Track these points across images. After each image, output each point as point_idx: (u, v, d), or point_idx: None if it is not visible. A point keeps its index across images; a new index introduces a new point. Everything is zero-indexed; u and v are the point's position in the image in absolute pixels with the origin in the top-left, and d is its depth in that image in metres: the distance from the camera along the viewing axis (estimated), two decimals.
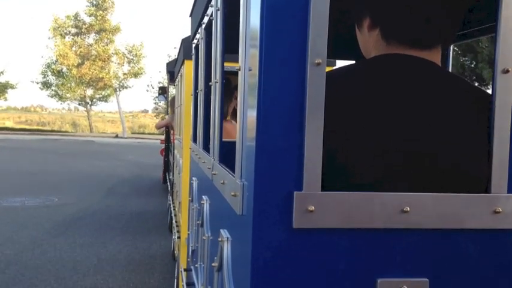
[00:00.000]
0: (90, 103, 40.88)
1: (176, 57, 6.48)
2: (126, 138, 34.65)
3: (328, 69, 0.92)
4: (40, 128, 41.56)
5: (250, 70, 0.97)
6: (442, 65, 1.22)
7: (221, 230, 1.28)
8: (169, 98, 8.92)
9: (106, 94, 39.99)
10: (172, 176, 7.33)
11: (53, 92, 39.44)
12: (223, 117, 1.78)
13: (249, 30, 0.99)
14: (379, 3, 1.14)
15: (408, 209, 0.92)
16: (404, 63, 1.10)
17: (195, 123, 2.61)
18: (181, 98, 5.08)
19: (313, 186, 0.89)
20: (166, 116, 10.18)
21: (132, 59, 37.83)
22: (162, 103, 27.94)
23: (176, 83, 6.49)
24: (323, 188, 0.90)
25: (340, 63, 2.97)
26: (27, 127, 40.96)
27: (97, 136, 35.93)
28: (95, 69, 36.14)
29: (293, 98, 0.88)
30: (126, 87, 38.50)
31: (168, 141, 9.82)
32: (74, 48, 36.35)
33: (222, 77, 1.56)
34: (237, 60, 1.08)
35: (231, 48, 1.48)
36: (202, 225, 1.88)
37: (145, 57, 45.22)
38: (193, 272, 2.37)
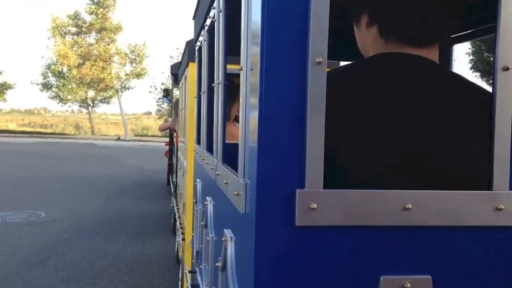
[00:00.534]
0: (91, 105, 40.01)
1: (179, 58, 6.50)
2: (128, 140, 34.00)
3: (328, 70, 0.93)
4: (41, 130, 40.90)
5: (251, 70, 0.98)
6: (444, 64, 1.22)
7: (225, 230, 1.29)
8: (173, 101, 8.94)
9: (108, 96, 39.02)
10: (176, 178, 7.34)
11: (54, 94, 38.56)
12: (226, 118, 1.79)
13: (251, 31, 1.00)
14: (378, 0, 1.14)
15: (410, 206, 0.93)
16: (403, 61, 1.10)
17: (198, 125, 2.63)
18: (185, 100, 5.10)
19: (315, 184, 0.90)
20: (170, 119, 10.20)
21: (134, 59, 36.85)
22: (165, 105, 27.86)
23: (180, 85, 6.51)
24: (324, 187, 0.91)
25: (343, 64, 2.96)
26: (28, 129, 40.26)
27: (98, 139, 34.69)
28: (96, 70, 35.23)
29: (294, 97, 0.89)
30: (128, 89, 37.62)
31: (171, 143, 9.84)
32: (74, 48, 35.47)
33: (225, 78, 1.57)
34: (239, 63, 1.09)
35: (233, 50, 1.50)
36: (206, 226, 1.89)
37: (148, 57, 44.46)
38: (197, 273, 2.37)
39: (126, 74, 36.95)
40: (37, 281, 4.89)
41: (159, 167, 14.79)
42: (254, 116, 0.93)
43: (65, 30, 35.63)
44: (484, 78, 15.96)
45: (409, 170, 1.02)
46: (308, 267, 0.92)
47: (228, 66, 1.60)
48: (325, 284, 0.93)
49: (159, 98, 33.17)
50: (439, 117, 1.04)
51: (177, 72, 7.02)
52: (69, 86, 37.18)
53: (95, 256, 5.82)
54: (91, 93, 38.70)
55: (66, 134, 39.00)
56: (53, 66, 37.24)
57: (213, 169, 1.63)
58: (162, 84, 34.20)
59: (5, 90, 38.79)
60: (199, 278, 2.26)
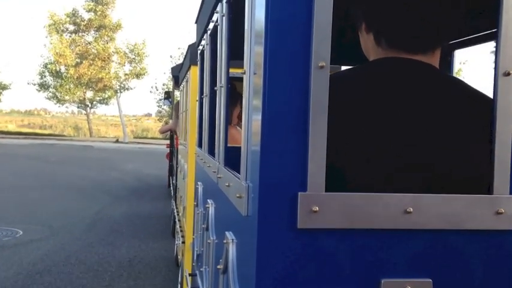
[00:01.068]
0: (90, 106, 38.60)
1: (180, 59, 6.51)
2: (127, 143, 32.62)
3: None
4: (39, 131, 39.68)
5: (255, 74, 0.99)
6: (444, 70, 1.23)
7: (226, 232, 1.30)
8: (174, 103, 8.96)
9: (107, 96, 37.46)
10: (176, 181, 7.34)
11: (51, 94, 36.87)
12: (228, 121, 1.80)
13: (254, 34, 1.01)
14: (373, 7, 1.16)
15: (411, 209, 0.94)
16: (403, 66, 1.11)
17: (200, 128, 2.63)
18: (186, 104, 5.11)
19: (317, 187, 0.90)
20: (170, 120, 10.21)
21: (134, 58, 35.11)
22: (165, 107, 27.64)
23: (181, 87, 6.53)
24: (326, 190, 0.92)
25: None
26: (24, 131, 39.00)
27: (96, 141, 33.00)
28: (94, 69, 33.52)
29: (297, 101, 0.90)
30: (127, 89, 36.01)
31: (172, 146, 9.84)
32: (72, 47, 33.84)
33: (227, 82, 1.58)
34: (241, 67, 1.10)
35: (235, 54, 1.51)
36: (207, 228, 1.90)
37: (148, 56, 42.45)
38: (198, 276, 2.38)
39: (125, 74, 35.43)
40: None
41: (158, 173, 13.81)
42: (257, 119, 0.94)
43: (62, 28, 34.15)
44: None
45: (409, 175, 1.02)
46: (309, 269, 0.93)
47: (230, 70, 1.61)
48: (326, 286, 0.94)
49: (160, 99, 32.62)
50: (439, 121, 1.05)
51: (178, 75, 7.04)
52: (67, 86, 35.50)
53: None
54: (89, 94, 37.36)
55: (63, 136, 37.91)
56: (49, 65, 35.69)
57: (214, 172, 1.64)
58: (164, 84, 33.44)
59: (1, 90, 37.71)
60: (199, 281, 2.26)
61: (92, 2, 33.55)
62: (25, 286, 4.69)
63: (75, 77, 34.04)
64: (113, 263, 5.52)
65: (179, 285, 4.65)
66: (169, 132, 10.16)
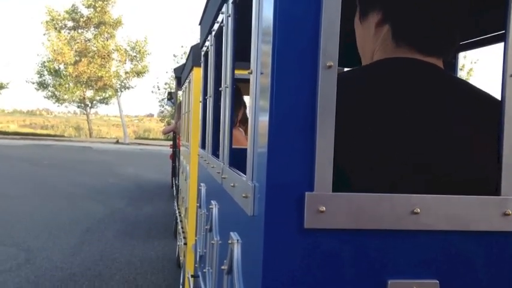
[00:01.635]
0: (90, 105, 37.88)
1: (183, 57, 6.52)
2: (127, 144, 31.65)
3: None
4: (38, 132, 39.03)
5: (262, 73, 0.99)
6: (448, 71, 1.23)
7: (231, 233, 1.29)
8: (177, 103, 8.98)
9: (107, 96, 36.57)
10: (178, 182, 7.34)
11: (50, 93, 35.91)
12: (233, 122, 1.80)
13: (261, 34, 1.01)
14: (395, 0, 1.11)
15: (418, 210, 0.93)
16: (411, 68, 1.10)
17: (203, 129, 2.63)
18: (189, 105, 5.11)
19: (324, 187, 0.90)
20: (172, 121, 10.22)
21: (135, 56, 33.87)
22: (167, 107, 27.49)
23: (184, 88, 6.53)
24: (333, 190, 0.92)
25: None
26: (22, 131, 38.26)
27: (96, 141, 32.09)
28: (93, 67, 32.31)
29: (305, 100, 0.90)
30: (128, 88, 34.73)
31: (175, 146, 9.87)
32: (70, 44, 32.74)
33: (233, 82, 1.58)
34: (245, 68, 1.10)
35: (239, 55, 1.51)
36: (210, 229, 1.90)
37: (150, 54, 40.27)
38: (200, 277, 2.37)
39: (126, 72, 34.14)
40: None
41: (162, 177, 12.88)
42: (264, 119, 0.94)
43: (60, 25, 33.01)
44: None
45: (416, 176, 1.02)
46: (316, 269, 0.93)
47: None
48: (332, 286, 0.94)
49: (162, 99, 32.00)
50: (446, 123, 1.05)
51: (180, 76, 7.05)
52: (66, 85, 34.67)
53: None
54: (89, 93, 36.49)
55: (62, 136, 37.10)
56: (47, 64, 34.75)
57: (219, 173, 1.63)
58: (166, 84, 32.63)
59: None
60: (202, 282, 2.26)
61: None
62: None
63: (74, 76, 32.97)
64: None
65: (181, 287, 4.65)
66: (172, 133, 10.19)
